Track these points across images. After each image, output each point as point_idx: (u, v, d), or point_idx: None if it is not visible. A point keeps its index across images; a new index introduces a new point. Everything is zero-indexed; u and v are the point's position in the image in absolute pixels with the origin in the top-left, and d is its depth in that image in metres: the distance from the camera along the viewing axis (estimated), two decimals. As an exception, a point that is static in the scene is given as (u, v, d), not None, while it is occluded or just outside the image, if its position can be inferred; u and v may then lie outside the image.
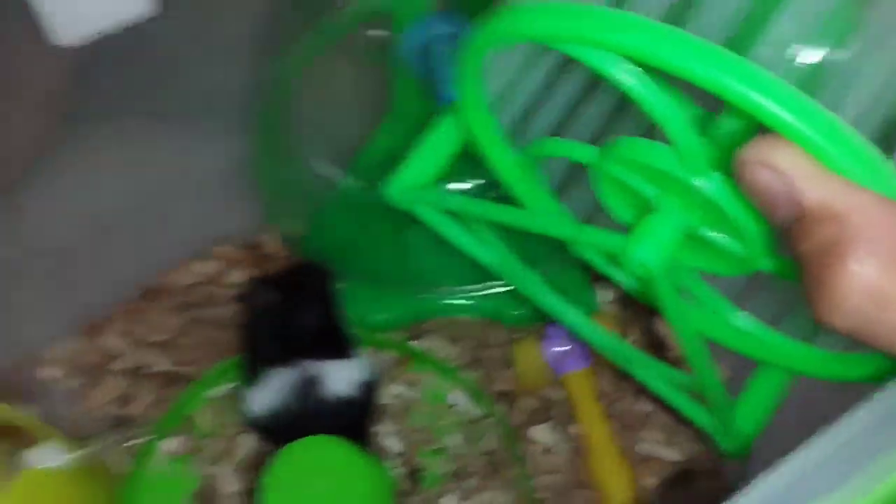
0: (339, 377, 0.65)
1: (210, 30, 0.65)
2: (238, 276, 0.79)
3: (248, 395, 0.66)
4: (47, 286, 0.75)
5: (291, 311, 0.67)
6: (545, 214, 0.48)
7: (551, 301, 0.60)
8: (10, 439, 0.62)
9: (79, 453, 0.64)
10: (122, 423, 0.72)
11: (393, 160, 0.75)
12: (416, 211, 0.52)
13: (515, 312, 0.76)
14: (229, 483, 0.68)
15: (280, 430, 0.65)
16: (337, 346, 0.67)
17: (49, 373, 0.75)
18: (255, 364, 0.67)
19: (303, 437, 0.62)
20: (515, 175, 0.48)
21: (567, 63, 0.45)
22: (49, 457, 0.59)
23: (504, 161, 0.47)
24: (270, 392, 0.65)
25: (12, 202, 0.68)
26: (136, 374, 0.74)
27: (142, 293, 0.79)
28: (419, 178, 0.51)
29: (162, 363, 0.74)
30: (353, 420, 0.67)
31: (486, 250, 0.55)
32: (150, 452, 0.69)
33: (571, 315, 0.60)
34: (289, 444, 0.60)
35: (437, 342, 0.76)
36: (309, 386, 0.64)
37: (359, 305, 0.74)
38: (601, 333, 0.60)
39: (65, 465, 0.60)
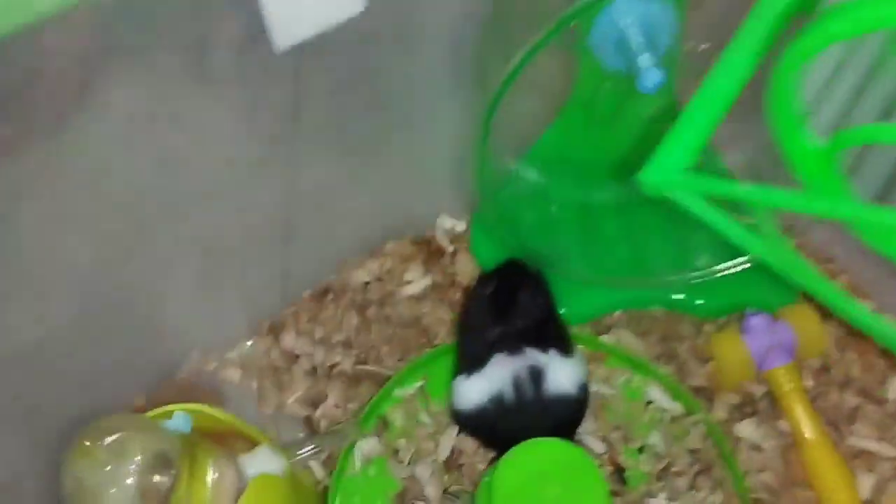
0: (563, 373, 0.63)
1: (411, 24, 0.63)
2: (413, 273, 0.77)
3: (460, 387, 0.65)
4: (223, 286, 0.74)
5: (514, 302, 0.65)
6: (833, 196, 0.45)
7: (832, 292, 0.55)
8: (210, 441, 0.60)
9: (294, 458, 0.62)
10: (310, 424, 0.71)
11: (570, 151, 0.73)
12: (675, 197, 0.50)
13: (705, 303, 0.73)
14: (432, 485, 0.66)
15: (490, 425, 0.63)
16: (559, 340, 0.65)
17: (231, 374, 0.74)
18: (472, 355, 0.65)
19: (512, 433, 0.60)
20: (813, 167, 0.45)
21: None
22: (267, 462, 0.58)
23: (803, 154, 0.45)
24: (487, 382, 0.63)
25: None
26: (320, 374, 0.73)
27: (316, 292, 0.77)
28: (680, 161, 0.48)
29: (346, 362, 0.73)
30: (568, 420, 0.65)
31: (753, 237, 0.52)
32: (348, 456, 0.67)
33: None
34: (516, 447, 0.58)
35: (625, 337, 0.73)
36: (531, 378, 0.62)
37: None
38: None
39: (281, 471, 0.58)
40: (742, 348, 0.67)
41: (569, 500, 0.56)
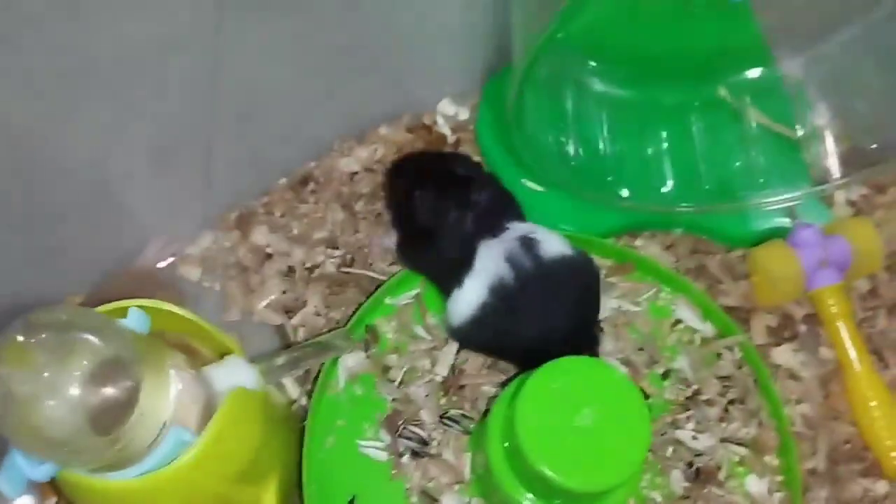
0: (553, 239, 0.55)
1: None
2: (410, 164, 0.66)
3: (457, 301, 0.55)
4: (181, 166, 0.62)
5: (465, 182, 0.56)
6: None
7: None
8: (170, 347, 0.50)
9: (269, 371, 0.52)
10: (283, 334, 0.60)
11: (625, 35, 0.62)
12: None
13: (736, 231, 0.64)
14: (427, 408, 0.57)
15: (499, 322, 0.54)
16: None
17: (190, 272, 0.63)
18: (452, 262, 0.55)
19: (528, 325, 0.54)
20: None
21: None
22: (240, 374, 0.47)
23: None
24: (481, 277, 0.54)
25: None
26: (298, 276, 0.62)
27: (293, 181, 0.66)
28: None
29: (329, 264, 0.62)
30: (582, 289, 0.56)
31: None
32: (331, 372, 0.57)
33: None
34: (542, 367, 0.48)
35: (652, 249, 0.64)
36: (525, 249, 0.54)
37: (571, 210, 0.62)
38: None
39: (255, 386, 0.48)
40: (794, 261, 0.59)
41: (605, 427, 0.47)
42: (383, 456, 0.56)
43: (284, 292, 0.61)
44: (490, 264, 0.54)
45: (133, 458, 0.42)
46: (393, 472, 0.55)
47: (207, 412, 0.45)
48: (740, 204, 0.62)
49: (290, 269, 0.62)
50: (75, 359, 0.39)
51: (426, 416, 0.57)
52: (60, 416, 0.39)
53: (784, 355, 0.60)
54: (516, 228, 0.55)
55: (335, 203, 0.64)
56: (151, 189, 0.61)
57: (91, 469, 0.42)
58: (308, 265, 0.62)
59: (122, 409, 0.40)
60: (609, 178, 0.62)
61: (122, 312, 0.44)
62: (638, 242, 0.65)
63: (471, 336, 0.56)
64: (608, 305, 0.61)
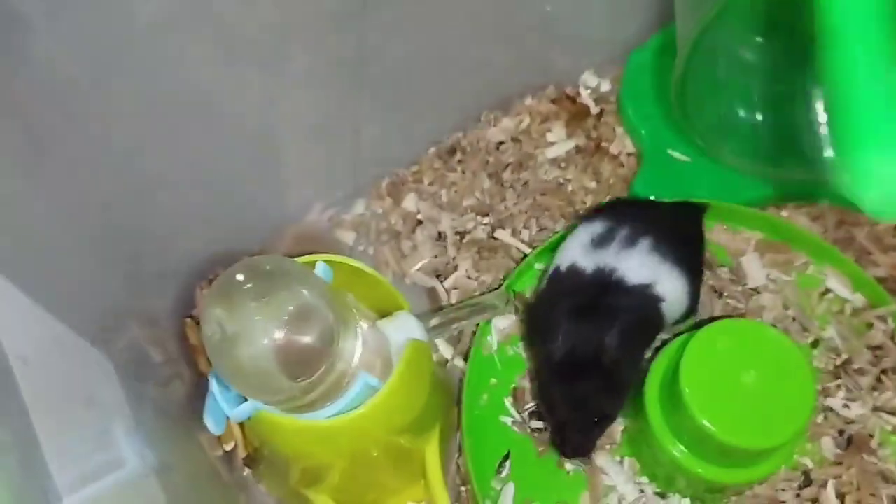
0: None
1: None
2: (556, 134, 0.68)
3: None
4: (334, 137, 0.65)
5: None
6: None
7: None
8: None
9: (432, 323, 0.55)
10: (434, 297, 0.63)
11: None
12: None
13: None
14: None
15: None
16: None
17: (345, 236, 0.66)
18: None
19: None
20: None
21: None
22: (413, 329, 0.50)
23: None
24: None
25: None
26: (449, 241, 0.64)
27: (441, 151, 0.68)
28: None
29: (479, 230, 0.64)
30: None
31: None
32: (485, 332, 0.59)
33: None
34: (706, 327, 0.49)
35: (799, 220, 0.64)
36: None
37: (717, 180, 0.62)
38: None
39: (426, 340, 0.51)
40: None
41: (769, 388, 0.48)
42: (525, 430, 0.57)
43: (436, 256, 0.64)
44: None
45: (323, 401, 0.45)
46: (539, 449, 0.57)
47: (385, 363, 0.48)
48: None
49: (441, 235, 0.64)
50: (279, 305, 0.42)
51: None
52: (262, 357, 0.42)
53: None
54: None
55: (482, 172, 0.66)
56: (308, 157, 0.64)
57: (284, 409, 0.45)
58: (458, 230, 0.64)
59: (317, 354, 0.43)
60: (770, 148, 0.62)
61: (310, 266, 0.47)
62: (784, 213, 0.65)
63: None
64: (760, 275, 0.61)
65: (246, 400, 0.45)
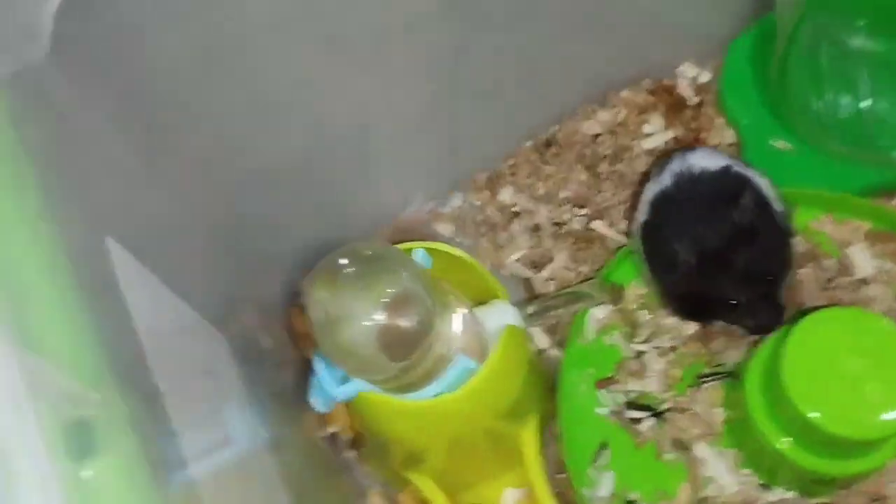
0: None
1: None
2: (653, 126, 0.67)
3: None
4: (434, 131, 0.66)
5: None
6: None
7: None
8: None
9: (529, 311, 0.56)
10: (530, 287, 0.64)
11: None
12: None
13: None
14: (656, 361, 0.58)
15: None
16: None
17: (443, 229, 0.67)
18: None
19: None
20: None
21: None
22: (509, 315, 0.51)
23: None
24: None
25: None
26: (545, 233, 0.65)
27: (537, 144, 0.69)
28: None
29: (576, 221, 0.65)
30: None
31: None
32: (581, 322, 0.60)
33: None
34: (808, 316, 0.48)
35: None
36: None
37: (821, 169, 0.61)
38: None
39: (522, 325, 0.52)
40: None
41: (875, 377, 0.47)
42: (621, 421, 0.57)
43: (532, 248, 0.64)
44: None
45: (423, 382, 0.46)
46: (637, 440, 0.56)
47: (482, 348, 0.49)
48: None
49: (537, 227, 0.65)
50: (379, 288, 0.44)
51: (658, 381, 0.58)
52: (364, 338, 0.44)
53: None
54: None
55: (578, 164, 0.66)
56: (407, 152, 0.66)
57: (386, 389, 0.47)
58: (555, 222, 0.65)
59: (416, 337, 0.45)
60: (871, 136, 0.60)
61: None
62: (893, 202, 0.62)
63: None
64: (868, 266, 0.59)
65: (348, 380, 0.47)
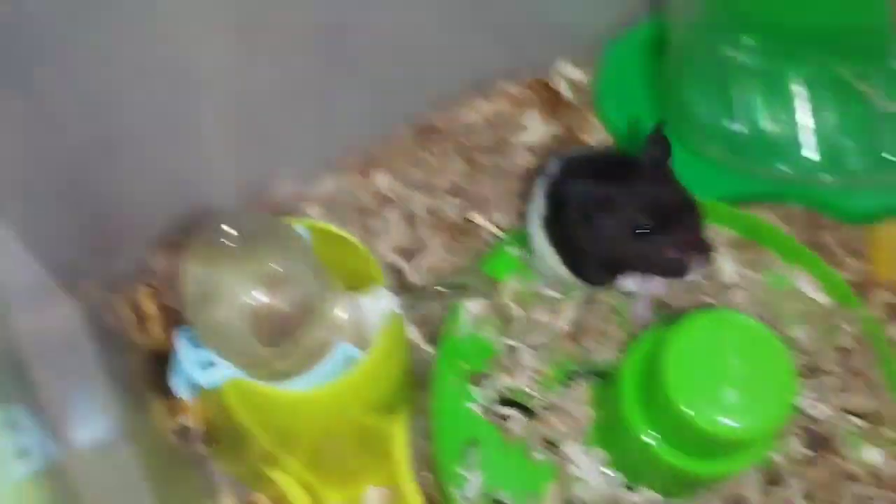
0: None
1: None
2: (531, 120, 0.66)
3: None
4: (309, 116, 0.62)
5: None
6: None
7: None
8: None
9: (403, 299, 0.53)
10: (402, 277, 0.61)
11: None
12: None
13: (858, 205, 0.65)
14: (527, 357, 0.57)
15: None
16: None
17: (312, 212, 0.63)
18: None
19: None
20: None
21: None
22: (390, 302, 0.48)
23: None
24: None
25: None
26: (420, 222, 0.62)
27: (416, 130, 0.66)
28: None
29: (452, 211, 0.62)
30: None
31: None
32: (456, 316, 0.58)
33: None
34: (687, 316, 0.49)
35: (769, 219, 0.64)
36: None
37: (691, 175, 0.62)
38: None
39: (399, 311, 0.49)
40: None
41: (751, 376, 0.47)
42: (492, 417, 0.56)
43: (405, 236, 0.62)
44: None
45: (300, 369, 0.42)
46: (507, 437, 0.55)
47: (362, 335, 0.46)
48: (879, 179, 0.62)
49: (412, 215, 0.62)
50: (260, 264, 0.40)
51: (529, 378, 0.57)
52: (240, 318, 0.40)
53: None
54: None
55: (456, 154, 0.65)
56: (278, 127, 0.61)
57: (259, 376, 0.42)
58: (430, 210, 0.62)
59: (296, 319, 0.41)
60: (753, 148, 0.62)
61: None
62: (755, 213, 0.65)
63: None
64: (732, 272, 0.61)
65: (212, 365, 0.42)
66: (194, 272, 0.38)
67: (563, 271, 0.56)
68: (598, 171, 0.54)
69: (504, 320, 0.59)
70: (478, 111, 0.66)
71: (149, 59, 0.49)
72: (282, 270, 0.40)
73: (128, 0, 0.45)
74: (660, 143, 0.54)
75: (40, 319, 0.38)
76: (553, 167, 0.56)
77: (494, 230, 0.62)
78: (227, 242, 0.38)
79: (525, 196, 0.63)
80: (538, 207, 0.56)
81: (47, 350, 0.36)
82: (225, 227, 0.38)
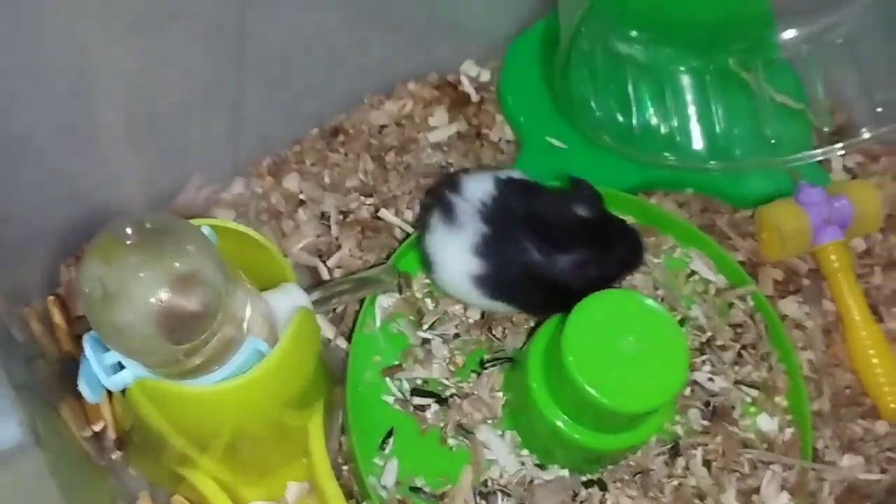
0: None
1: None
2: (438, 119, 0.68)
3: None
4: (217, 120, 0.63)
5: None
6: None
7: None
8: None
9: (315, 296, 0.54)
10: (317, 276, 0.62)
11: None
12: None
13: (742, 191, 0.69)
14: (441, 348, 0.59)
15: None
16: None
17: (224, 215, 0.64)
18: None
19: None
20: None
21: None
22: (300, 298, 0.49)
23: None
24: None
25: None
26: (332, 221, 0.64)
27: (324, 132, 0.68)
28: None
29: (363, 210, 0.64)
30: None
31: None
32: (369, 311, 0.59)
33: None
34: (585, 298, 0.51)
35: (666, 207, 0.68)
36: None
37: (593, 166, 0.65)
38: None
39: (312, 308, 0.50)
40: (803, 217, 0.63)
41: (646, 352, 0.50)
42: (407, 408, 0.57)
43: (318, 236, 0.63)
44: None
45: (209, 366, 0.43)
46: (422, 427, 0.57)
47: (272, 331, 0.47)
48: (761, 162, 0.66)
49: (324, 215, 0.64)
50: (164, 262, 0.40)
51: (442, 368, 0.58)
52: (144, 318, 0.40)
53: (790, 307, 0.64)
54: None
55: (365, 154, 0.66)
56: (184, 132, 0.62)
57: (167, 375, 0.43)
58: (342, 210, 0.63)
59: (202, 316, 0.42)
60: (640, 137, 0.65)
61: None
62: (653, 200, 0.68)
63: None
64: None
65: (123, 368, 0.42)
66: (95, 272, 0.38)
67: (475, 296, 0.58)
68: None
69: (416, 313, 0.60)
70: (386, 112, 0.68)
71: (43, 60, 0.49)
72: (186, 268, 0.40)
73: (21, 8, 0.45)
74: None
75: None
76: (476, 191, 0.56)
77: (404, 226, 0.63)
78: (128, 241, 0.39)
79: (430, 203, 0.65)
80: (467, 236, 0.55)
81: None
82: (126, 225, 0.38)
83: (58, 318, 0.57)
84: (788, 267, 0.66)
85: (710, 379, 0.60)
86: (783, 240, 0.63)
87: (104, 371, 0.42)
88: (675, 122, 0.66)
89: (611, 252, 0.56)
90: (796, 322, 0.64)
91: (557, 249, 0.54)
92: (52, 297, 0.58)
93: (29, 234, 0.55)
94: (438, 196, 0.57)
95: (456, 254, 0.55)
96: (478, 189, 0.56)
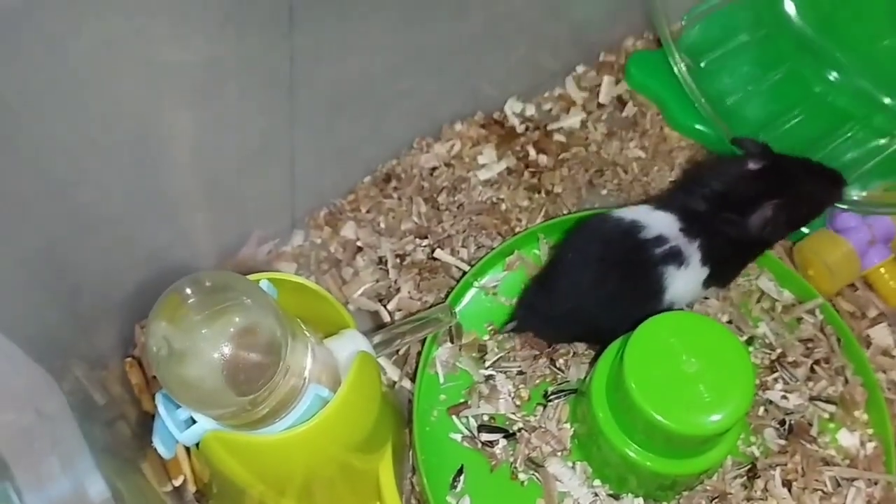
0: None
1: None
2: (487, 157, 0.69)
3: None
4: (275, 176, 0.65)
5: None
6: None
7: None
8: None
9: (376, 339, 0.55)
10: (379, 319, 0.63)
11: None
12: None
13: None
14: (505, 383, 0.59)
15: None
16: None
17: (286, 268, 0.66)
18: None
19: None
20: None
21: None
22: (361, 343, 0.50)
23: None
24: None
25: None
26: (390, 265, 0.65)
27: (376, 179, 0.69)
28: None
29: (419, 252, 0.65)
30: None
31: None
32: (431, 350, 0.60)
33: None
34: (647, 320, 0.51)
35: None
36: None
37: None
38: None
39: (372, 352, 0.51)
40: (843, 242, 0.61)
41: (711, 372, 0.49)
42: (476, 445, 0.58)
43: (378, 281, 0.64)
44: None
45: (274, 416, 0.44)
46: (491, 463, 0.57)
47: (334, 377, 0.48)
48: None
49: (381, 260, 0.65)
50: (225, 318, 0.42)
51: (508, 403, 0.59)
52: (210, 372, 0.42)
53: (878, 332, 0.62)
54: None
55: (418, 196, 0.67)
56: (245, 191, 0.64)
57: (235, 426, 0.44)
58: (398, 253, 0.65)
59: (265, 368, 0.43)
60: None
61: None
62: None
63: None
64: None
65: (194, 423, 0.44)
66: (160, 332, 0.40)
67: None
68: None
69: (477, 350, 0.61)
70: (436, 154, 0.69)
71: (108, 137, 0.51)
72: (246, 322, 0.42)
73: (84, 76, 0.48)
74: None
75: (22, 406, 0.40)
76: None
77: (460, 264, 0.64)
78: (189, 301, 0.41)
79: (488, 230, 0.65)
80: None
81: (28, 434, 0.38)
82: (186, 285, 0.40)
83: (135, 378, 0.59)
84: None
85: (784, 397, 0.59)
86: (831, 271, 0.61)
87: (177, 426, 0.44)
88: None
89: (797, 190, 0.57)
90: (883, 349, 0.62)
91: (747, 211, 0.55)
92: (129, 359, 0.60)
93: (102, 301, 0.57)
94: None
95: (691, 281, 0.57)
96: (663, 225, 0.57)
